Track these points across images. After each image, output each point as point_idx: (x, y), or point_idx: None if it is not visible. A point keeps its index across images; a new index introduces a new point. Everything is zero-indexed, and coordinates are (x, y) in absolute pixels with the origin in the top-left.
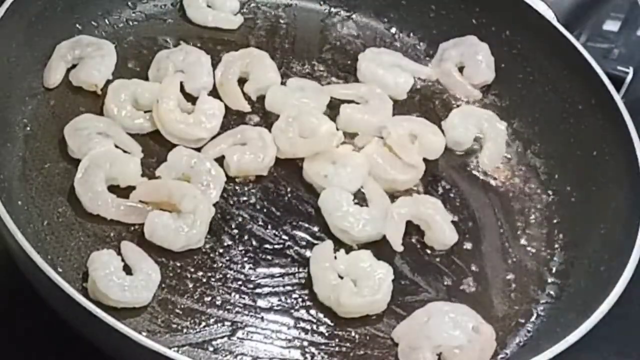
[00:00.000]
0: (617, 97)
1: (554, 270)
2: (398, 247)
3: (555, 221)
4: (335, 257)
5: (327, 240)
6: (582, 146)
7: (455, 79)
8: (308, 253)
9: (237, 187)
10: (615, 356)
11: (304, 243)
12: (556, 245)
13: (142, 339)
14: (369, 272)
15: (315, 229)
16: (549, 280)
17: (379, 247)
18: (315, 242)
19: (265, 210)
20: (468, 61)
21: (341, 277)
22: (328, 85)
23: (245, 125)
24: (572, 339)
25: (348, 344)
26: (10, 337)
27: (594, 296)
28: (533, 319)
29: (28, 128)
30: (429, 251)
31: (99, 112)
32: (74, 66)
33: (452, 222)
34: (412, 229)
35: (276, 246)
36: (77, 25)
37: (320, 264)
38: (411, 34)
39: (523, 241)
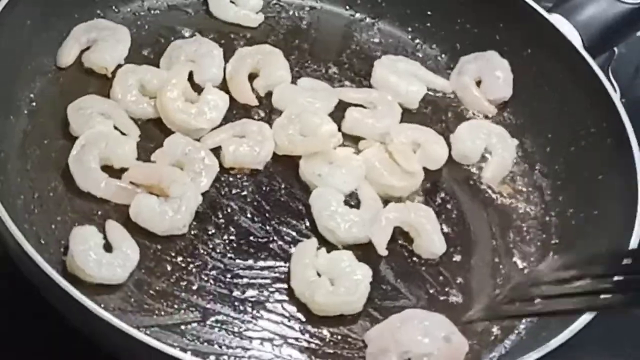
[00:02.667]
0: (629, 125)
1: None
2: (382, 250)
3: (552, 242)
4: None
5: (312, 237)
6: (590, 169)
7: (471, 93)
8: (292, 249)
9: (230, 179)
10: (611, 357)
11: (289, 239)
12: None
13: (104, 314)
14: (347, 272)
15: (303, 227)
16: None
17: (366, 251)
18: (301, 239)
19: (255, 203)
20: (485, 76)
21: (320, 275)
22: (339, 88)
23: (247, 119)
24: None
25: (318, 341)
26: (10, 337)
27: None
28: (513, 336)
29: (34, 104)
30: (416, 259)
31: (106, 96)
32: (88, 48)
33: (445, 233)
34: (402, 236)
35: (260, 239)
36: (98, 10)
37: (300, 260)
38: (434, 46)
39: (515, 259)
